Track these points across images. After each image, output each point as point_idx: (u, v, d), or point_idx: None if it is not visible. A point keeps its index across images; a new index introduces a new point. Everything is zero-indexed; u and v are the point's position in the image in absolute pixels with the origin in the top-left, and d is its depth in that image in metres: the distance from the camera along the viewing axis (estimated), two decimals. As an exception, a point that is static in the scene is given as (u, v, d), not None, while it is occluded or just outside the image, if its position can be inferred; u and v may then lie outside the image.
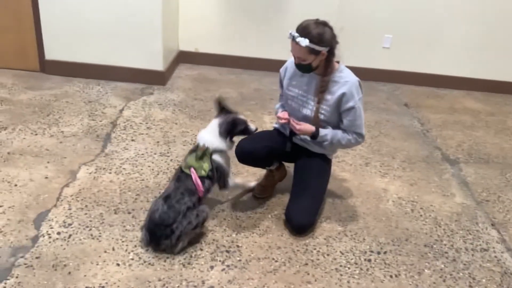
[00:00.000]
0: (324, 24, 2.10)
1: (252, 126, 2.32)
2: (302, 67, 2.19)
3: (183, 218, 2.00)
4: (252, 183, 2.56)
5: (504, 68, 4.82)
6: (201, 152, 2.15)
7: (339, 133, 2.29)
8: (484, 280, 2.11)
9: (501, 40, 4.68)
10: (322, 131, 2.27)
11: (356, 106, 2.20)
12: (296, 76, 2.32)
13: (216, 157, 2.20)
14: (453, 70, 4.84)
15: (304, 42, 2.05)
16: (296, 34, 2.07)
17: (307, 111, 2.30)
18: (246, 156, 2.37)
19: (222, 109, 2.32)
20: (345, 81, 2.21)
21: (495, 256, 2.29)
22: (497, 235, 2.46)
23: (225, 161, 2.26)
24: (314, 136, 2.27)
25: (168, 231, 1.99)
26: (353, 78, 2.22)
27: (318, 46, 2.06)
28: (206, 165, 2.14)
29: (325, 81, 2.21)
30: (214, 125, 2.24)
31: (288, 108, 2.42)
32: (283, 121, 2.29)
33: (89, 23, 3.85)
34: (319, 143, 2.35)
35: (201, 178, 2.12)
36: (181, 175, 2.14)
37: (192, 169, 2.12)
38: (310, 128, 2.25)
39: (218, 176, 2.22)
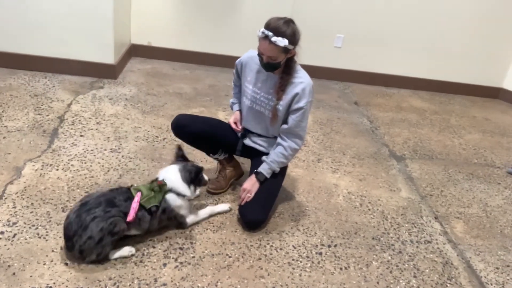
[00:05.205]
0: (292, 22, 2.08)
1: (206, 177, 2.26)
2: (270, 66, 2.15)
3: (83, 231, 1.81)
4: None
5: (448, 69, 5.09)
6: (157, 186, 2.06)
7: (273, 155, 2.30)
8: (427, 271, 2.23)
9: (446, 43, 4.92)
10: (264, 169, 2.30)
11: (306, 107, 2.22)
12: (252, 73, 2.32)
13: (171, 198, 2.08)
14: (401, 70, 5.05)
15: (283, 42, 2.02)
16: (271, 34, 2.02)
17: (261, 108, 2.32)
18: (183, 131, 2.41)
19: (180, 156, 2.24)
20: (300, 81, 2.21)
21: (438, 248, 2.42)
22: (440, 228, 2.60)
23: (185, 205, 2.15)
24: (261, 180, 2.31)
25: (70, 244, 1.86)
26: (308, 80, 2.23)
27: (291, 45, 2.06)
28: (154, 200, 2.02)
29: (287, 80, 2.20)
30: (174, 170, 2.14)
31: (241, 104, 2.43)
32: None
33: (36, 13, 3.68)
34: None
35: (141, 206, 1.97)
36: (122, 190, 2.00)
37: (139, 193, 1.98)
38: (255, 180, 2.30)
39: (166, 218, 2.10)
